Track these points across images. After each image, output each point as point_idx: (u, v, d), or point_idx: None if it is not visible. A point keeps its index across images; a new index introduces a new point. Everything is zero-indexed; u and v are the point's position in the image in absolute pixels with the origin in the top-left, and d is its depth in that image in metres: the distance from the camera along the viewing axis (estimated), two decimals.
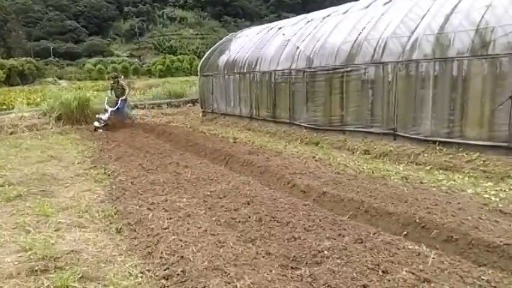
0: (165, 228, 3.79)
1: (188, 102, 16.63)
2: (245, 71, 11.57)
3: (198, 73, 14.78)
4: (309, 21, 10.49)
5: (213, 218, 4.15)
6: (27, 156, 7.86)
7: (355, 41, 8.00)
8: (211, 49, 14.83)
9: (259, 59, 11.05)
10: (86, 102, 12.22)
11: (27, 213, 4.49)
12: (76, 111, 12.09)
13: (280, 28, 11.71)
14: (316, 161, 6.47)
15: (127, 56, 72.61)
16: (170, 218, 4.07)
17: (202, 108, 14.28)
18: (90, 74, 53.01)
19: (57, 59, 66.97)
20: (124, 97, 11.62)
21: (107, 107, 11.31)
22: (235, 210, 4.32)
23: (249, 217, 4.05)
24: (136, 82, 30.32)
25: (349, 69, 7.89)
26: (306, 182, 5.09)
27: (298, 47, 9.59)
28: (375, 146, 7.07)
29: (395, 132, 7.12)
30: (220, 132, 10.26)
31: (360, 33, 8.03)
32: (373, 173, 5.50)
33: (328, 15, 9.99)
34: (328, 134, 8.37)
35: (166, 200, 4.70)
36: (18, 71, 45.24)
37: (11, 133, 11.14)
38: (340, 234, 3.39)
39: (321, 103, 8.62)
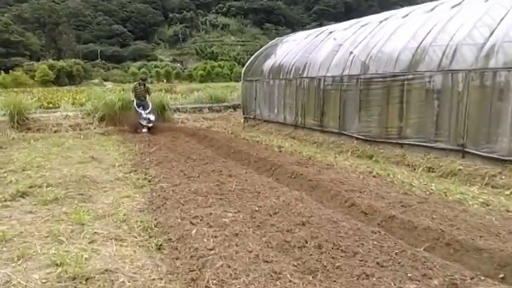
0: (210, 249, 3.29)
1: (229, 108, 16.31)
2: (291, 76, 11.03)
3: (241, 78, 14.41)
4: (363, 26, 9.81)
5: (264, 239, 3.62)
6: (68, 156, 7.71)
7: (418, 46, 7.26)
8: (255, 53, 14.43)
9: (307, 64, 10.48)
10: (129, 104, 12.12)
11: (62, 220, 4.17)
12: (119, 112, 12.03)
13: (330, 32, 11.08)
14: (374, 177, 5.79)
15: (170, 61, 74.37)
16: (216, 236, 3.58)
17: (244, 114, 13.86)
18: (134, 77, 54.57)
19: (103, 61, 69.71)
20: (149, 103, 11.46)
21: (137, 109, 11.21)
22: (288, 231, 3.77)
23: (306, 241, 3.48)
24: (178, 86, 30.60)
25: (411, 77, 7.16)
26: (367, 202, 4.45)
27: (351, 52, 8.94)
28: (440, 163, 6.29)
29: (464, 148, 6.31)
30: (264, 140, 9.75)
31: (424, 38, 7.28)
32: (445, 195, 4.76)
33: (386, 19, 9.26)
34: (384, 147, 7.64)
35: (210, 214, 4.21)
36: (67, 72, 47.39)
37: (55, 131, 11.22)
38: (425, 275, 2.75)
39: (376, 113, 7.91)
